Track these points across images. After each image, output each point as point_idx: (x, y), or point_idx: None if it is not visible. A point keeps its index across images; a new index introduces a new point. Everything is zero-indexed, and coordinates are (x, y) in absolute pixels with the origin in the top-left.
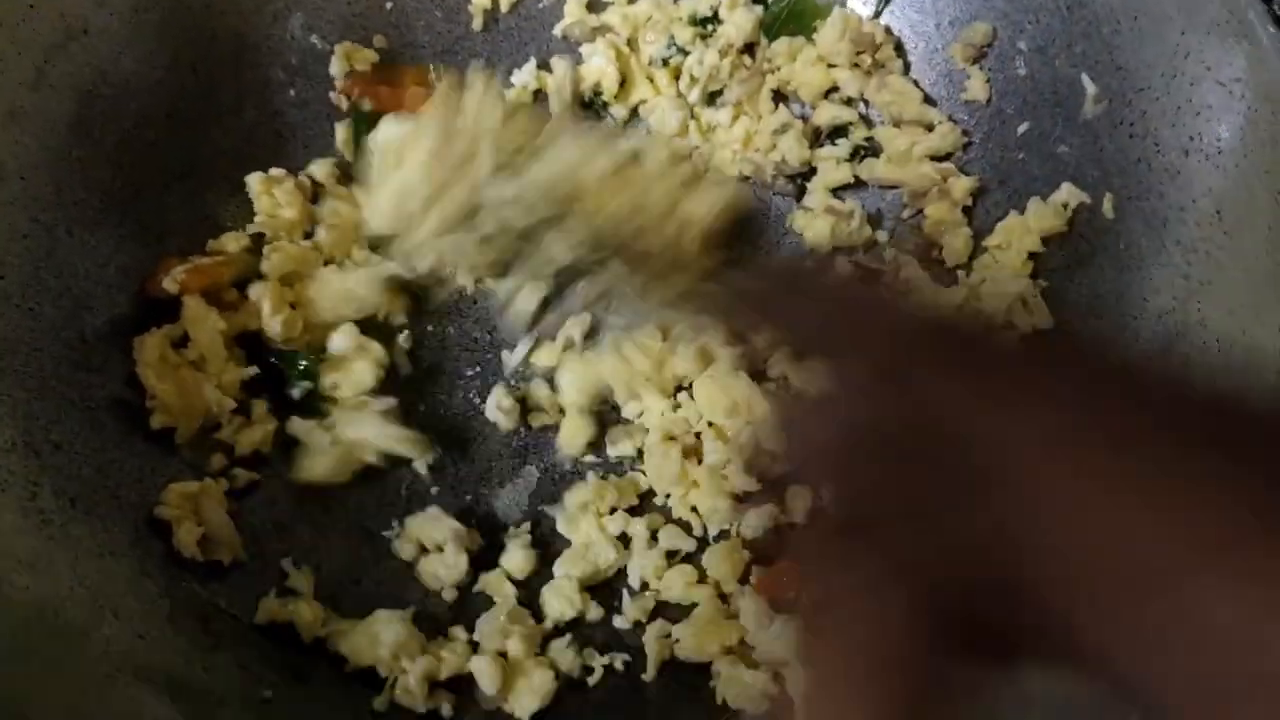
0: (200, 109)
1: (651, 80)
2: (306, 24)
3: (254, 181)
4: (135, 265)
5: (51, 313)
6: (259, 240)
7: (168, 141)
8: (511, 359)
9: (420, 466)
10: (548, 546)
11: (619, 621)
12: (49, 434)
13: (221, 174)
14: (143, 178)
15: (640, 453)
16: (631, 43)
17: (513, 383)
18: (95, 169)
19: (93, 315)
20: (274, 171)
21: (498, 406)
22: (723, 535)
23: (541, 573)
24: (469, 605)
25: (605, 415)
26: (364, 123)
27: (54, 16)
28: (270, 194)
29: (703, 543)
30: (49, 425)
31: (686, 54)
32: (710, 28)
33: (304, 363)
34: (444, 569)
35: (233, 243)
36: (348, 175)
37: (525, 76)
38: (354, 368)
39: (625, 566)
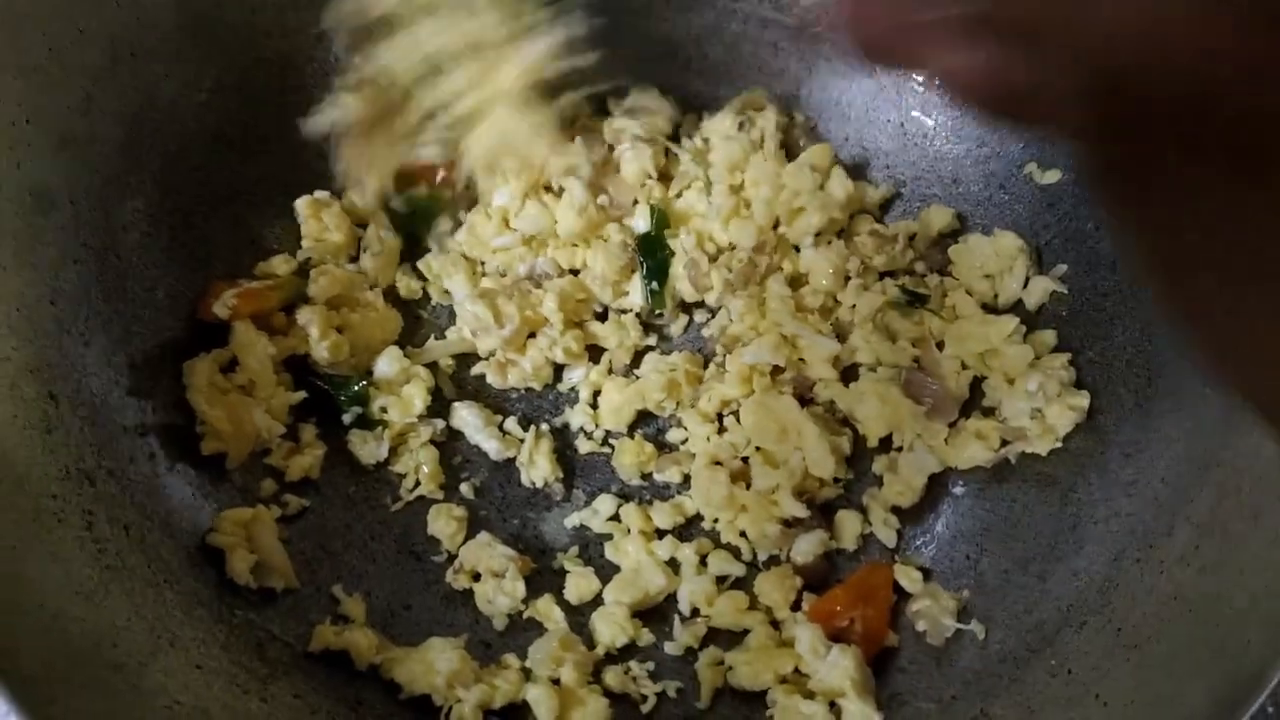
0: (245, 131)
1: None
2: (350, 44)
3: (302, 205)
4: (183, 289)
5: (101, 338)
6: (305, 264)
7: (213, 164)
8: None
9: (468, 490)
10: (596, 571)
11: (670, 648)
12: (102, 460)
13: (266, 197)
14: (189, 201)
15: (687, 478)
16: None
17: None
18: (143, 193)
19: (142, 340)
20: (320, 194)
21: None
22: (773, 561)
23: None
24: (519, 630)
25: (655, 440)
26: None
27: (103, 40)
28: (318, 217)
29: (752, 568)
30: (101, 451)
31: None
32: None
33: (355, 387)
34: (502, 595)
35: (281, 266)
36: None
37: None
38: (403, 391)
39: (675, 592)
